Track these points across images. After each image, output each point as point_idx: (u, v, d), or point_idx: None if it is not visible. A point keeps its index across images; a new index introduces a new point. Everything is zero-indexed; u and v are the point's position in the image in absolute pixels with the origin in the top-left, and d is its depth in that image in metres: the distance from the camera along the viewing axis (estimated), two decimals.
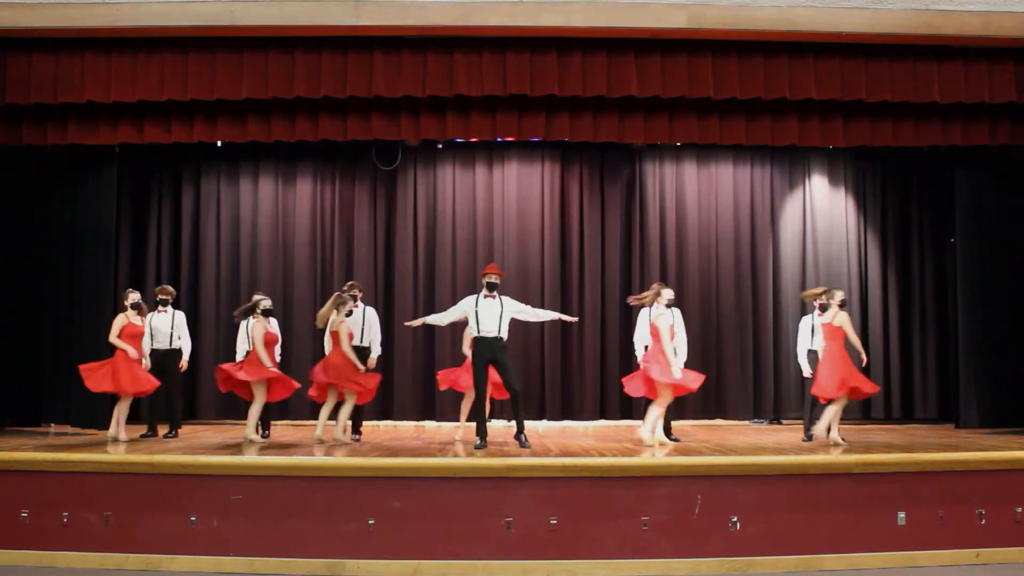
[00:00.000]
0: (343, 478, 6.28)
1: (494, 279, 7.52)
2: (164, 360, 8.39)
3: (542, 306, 10.51)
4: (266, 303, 7.92)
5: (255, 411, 7.71)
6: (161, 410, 8.60)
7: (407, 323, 8.42)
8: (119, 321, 7.78)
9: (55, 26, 7.41)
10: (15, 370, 8.83)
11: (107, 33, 7.53)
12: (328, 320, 7.65)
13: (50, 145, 8.55)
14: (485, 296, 7.47)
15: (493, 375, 7.73)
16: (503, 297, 7.55)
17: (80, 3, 7.37)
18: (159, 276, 10.59)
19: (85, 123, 8.22)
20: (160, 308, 8.47)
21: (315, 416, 10.18)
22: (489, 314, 7.40)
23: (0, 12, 7.37)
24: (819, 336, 8.14)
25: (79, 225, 9.09)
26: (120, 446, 7.39)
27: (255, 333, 7.65)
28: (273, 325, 7.99)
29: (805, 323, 8.33)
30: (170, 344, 8.46)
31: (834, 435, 7.55)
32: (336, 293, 7.91)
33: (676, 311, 8.46)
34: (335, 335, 7.60)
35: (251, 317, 8.13)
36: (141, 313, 7.95)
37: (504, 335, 7.48)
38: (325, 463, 6.41)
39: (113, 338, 7.70)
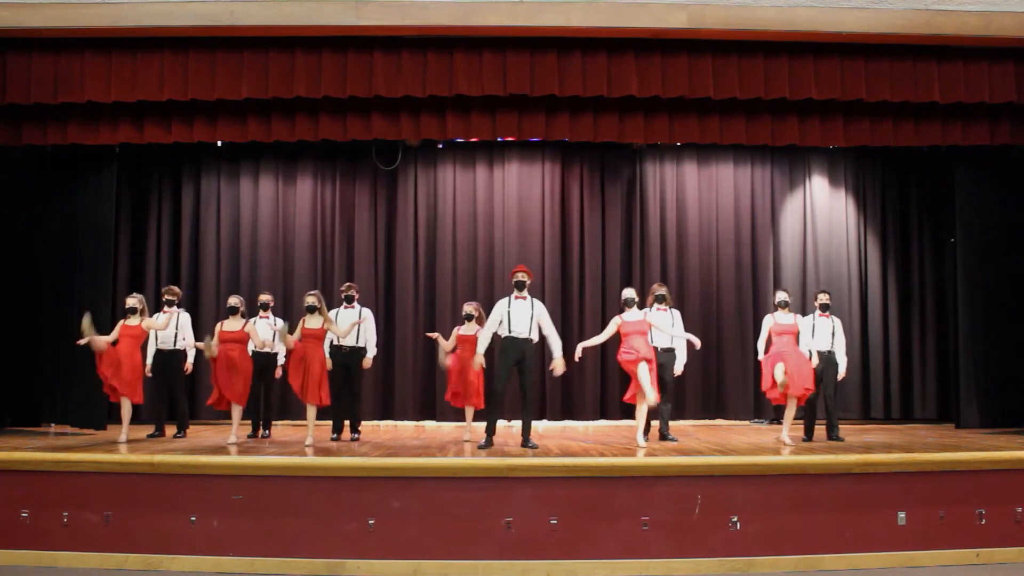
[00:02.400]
0: (343, 478, 6.28)
1: (523, 278, 7.53)
2: (168, 361, 8.39)
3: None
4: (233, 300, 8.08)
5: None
6: (166, 410, 8.59)
7: (477, 364, 7.82)
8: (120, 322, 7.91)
9: (55, 26, 7.41)
10: (15, 370, 8.83)
11: (107, 33, 7.52)
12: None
13: (50, 145, 8.55)
14: (516, 297, 7.48)
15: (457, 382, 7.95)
16: (534, 300, 7.56)
17: (80, 3, 7.36)
18: (159, 276, 10.60)
19: (85, 123, 8.22)
20: (165, 308, 8.46)
21: (318, 416, 10.20)
22: (521, 315, 7.41)
23: (0, 12, 7.37)
24: (820, 336, 8.16)
25: (79, 225, 9.09)
26: (121, 447, 7.38)
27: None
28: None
29: (806, 323, 8.34)
30: (174, 345, 8.46)
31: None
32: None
33: (675, 313, 8.48)
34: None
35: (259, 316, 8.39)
36: (143, 315, 7.92)
37: (534, 337, 7.48)
38: (325, 463, 6.40)
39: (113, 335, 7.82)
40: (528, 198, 10.86)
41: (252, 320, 8.64)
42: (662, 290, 8.49)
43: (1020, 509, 6.49)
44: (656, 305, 8.39)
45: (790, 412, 7.70)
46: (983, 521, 6.42)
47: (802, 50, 7.79)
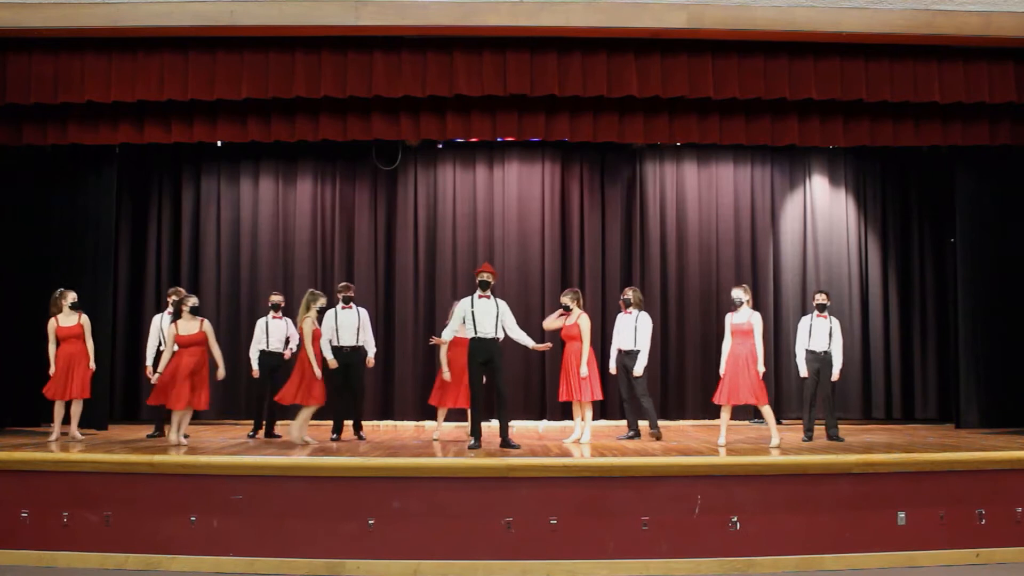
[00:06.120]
0: (343, 478, 6.28)
1: (487, 277, 7.52)
2: None
3: (542, 307, 10.56)
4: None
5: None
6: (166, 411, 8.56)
7: (433, 340, 8.19)
8: (51, 325, 7.81)
9: (55, 26, 7.41)
10: (15, 370, 8.83)
11: (107, 33, 7.53)
12: (302, 318, 7.69)
13: (50, 145, 8.55)
14: (480, 296, 7.46)
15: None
16: (497, 299, 7.56)
17: (80, 3, 7.36)
18: (159, 276, 10.60)
19: (85, 123, 8.23)
20: (170, 310, 8.41)
21: (318, 416, 10.19)
22: (485, 314, 7.39)
23: (0, 12, 7.37)
24: (816, 336, 8.15)
25: (79, 225, 9.11)
26: (116, 446, 7.38)
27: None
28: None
29: (803, 323, 8.35)
30: None
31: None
32: (309, 291, 7.97)
33: (642, 315, 8.47)
34: (302, 332, 7.65)
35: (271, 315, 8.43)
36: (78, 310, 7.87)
37: (500, 336, 7.47)
38: (325, 463, 6.40)
39: (50, 346, 7.76)
40: (528, 198, 10.85)
41: (263, 320, 8.57)
42: (626, 294, 8.61)
43: (1020, 509, 6.49)
44: (624, 308, 8.53)
45: (724, 415, 7.72)
46: (983, 521, 6.42)
47: (802, 50, 7.79)
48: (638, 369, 8.30)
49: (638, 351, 8.34)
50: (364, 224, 10.79)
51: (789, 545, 6.27)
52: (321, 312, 7.87)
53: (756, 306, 10.64)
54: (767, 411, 7.56)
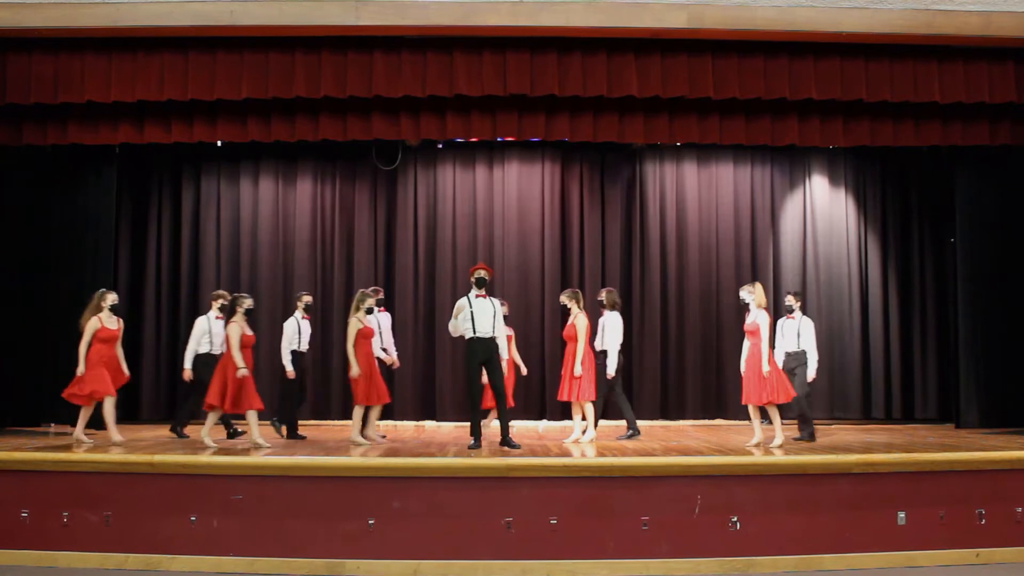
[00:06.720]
0: (343, 478, 6.28)
1: (483, 274, 7.51)
2: (209, 363, 8.12)
3: (542, 306, 10.58)
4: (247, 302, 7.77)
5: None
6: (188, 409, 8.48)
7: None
8: (92, 325, 7.58)
9: (55, 26, 7.42)
10: (15, 370, 8.83)
11: (107, 33, 7.53)
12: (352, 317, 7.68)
13: (50, 145, 8.55)
14: (477, 295, 7.45)
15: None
16: (492, 299, 7.56)
17: (80, 3, 7.37)
18: (159, 276, 10.60)
19: (85, 123, 8.23)
20: (219, 315, 8.33)
21: (317, 416, 10.20)
22: (484, 314, 7.39)
23: (0, 12, 7.37)
24: (786, 337, 8.15)
25: (79, 225, 9.11)
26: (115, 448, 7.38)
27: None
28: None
29: (778, 325, 8.37)
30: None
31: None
32: (360, 291, 7.96)
33: (611, 315, 8.43)
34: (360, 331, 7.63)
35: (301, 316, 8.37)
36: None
37: (498, 335, 7.46)
38: (325, 463, 6.40)
39: (83, 345, 7.53)
40: (528, 198, 10.85)
41: (294, 320, 8.43)
42: (600, 295, 8.62)
43: (1020, 509, 6.49)
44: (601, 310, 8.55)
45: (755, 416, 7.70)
46: (983, 521, 6.42)
47: (802, 50, 7.79)
48: (609, 370, 8.28)
49: (605, 352, 8.32)
50: (364, 224, 10.79)
51: (789, 545, 6.27)
52: (368, 313, 7.82)
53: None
54: (773, 411, 7.54)
